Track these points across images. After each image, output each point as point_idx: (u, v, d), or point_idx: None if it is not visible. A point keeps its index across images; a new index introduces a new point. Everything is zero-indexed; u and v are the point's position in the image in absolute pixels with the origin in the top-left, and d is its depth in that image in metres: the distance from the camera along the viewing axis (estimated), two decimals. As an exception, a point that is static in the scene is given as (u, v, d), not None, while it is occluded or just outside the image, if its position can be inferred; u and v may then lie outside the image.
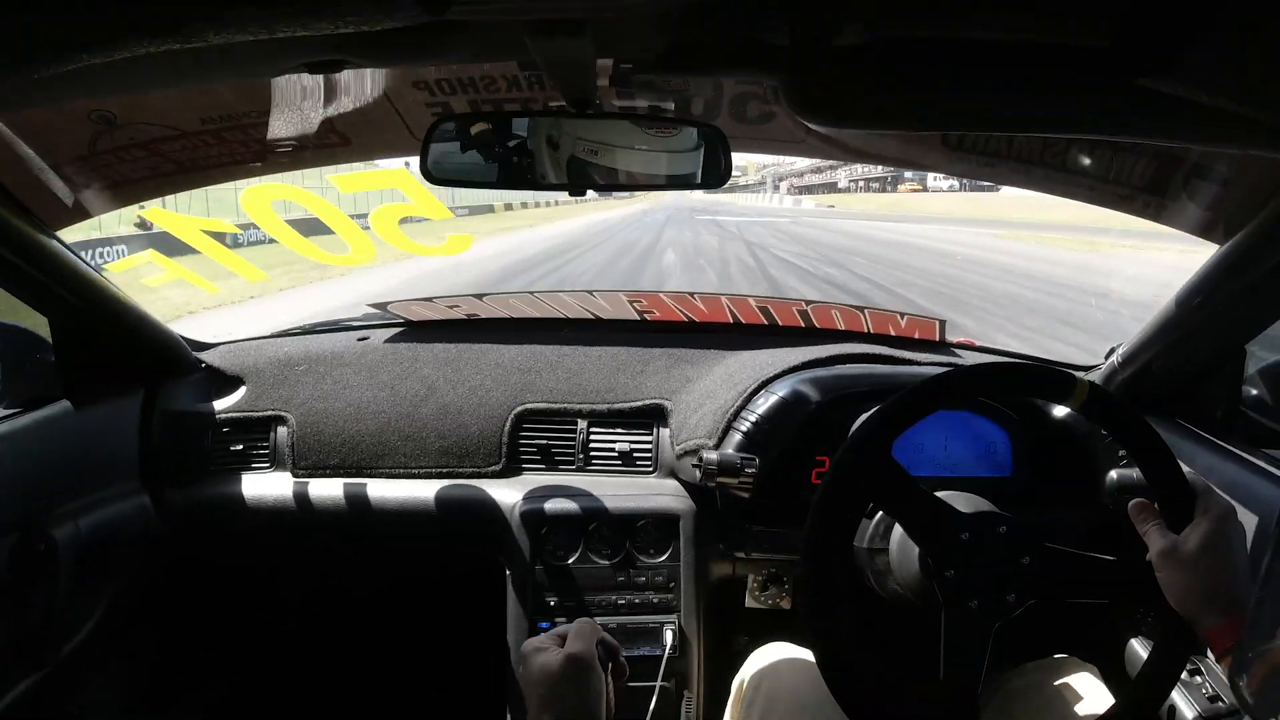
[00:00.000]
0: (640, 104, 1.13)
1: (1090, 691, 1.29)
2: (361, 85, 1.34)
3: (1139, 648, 1.48)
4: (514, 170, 1.16)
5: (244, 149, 1.49)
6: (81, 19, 0.52)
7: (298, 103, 1.20)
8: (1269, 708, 0.68)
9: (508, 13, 0.79)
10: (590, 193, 1.23)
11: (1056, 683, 1.34)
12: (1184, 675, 1.34)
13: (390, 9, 0.55)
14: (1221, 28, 0.55)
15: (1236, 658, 0.84)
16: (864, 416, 1.14)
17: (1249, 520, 1.26)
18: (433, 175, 1.15)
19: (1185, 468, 1.10)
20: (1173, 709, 1.33)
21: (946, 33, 0.75)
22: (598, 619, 1.55)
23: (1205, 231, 1.37)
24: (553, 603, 1.58)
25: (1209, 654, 1.36)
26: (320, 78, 1.17)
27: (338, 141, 1.50)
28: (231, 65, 0.91)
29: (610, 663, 0.99)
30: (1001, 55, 0.75)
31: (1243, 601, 0.99)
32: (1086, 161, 1.41)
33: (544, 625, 1.57)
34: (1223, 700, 1.31)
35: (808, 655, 1.40)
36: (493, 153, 1.14)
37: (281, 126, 1.24)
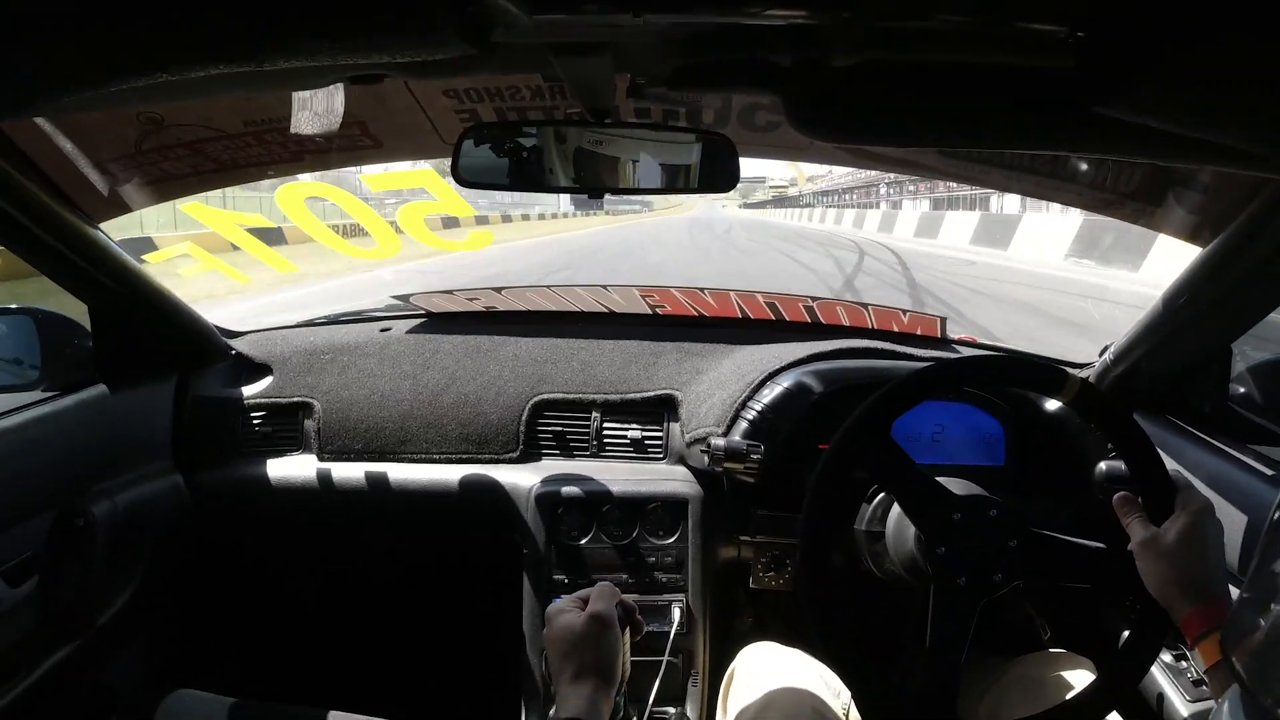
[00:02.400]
0: (656, 111, 1.19)
1: (1085, 683, 1.31)
2: (396, 93, 1.40)
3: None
4: (534, 174, 1.22)
5: (283, 150, 1.55)
6: (166, 41, 0.58)
7: (336, 109, 1.27)
8: (1260, 678, 0.74)
9: (537, 37, 0.86)
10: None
11: (1052, 675, 1.39)
12: (1170, 660, 1.39)
13: (439, 46, 0.62)
14: (1165, 63, 0.61)
15: (1230, 631, 0.91)
16: (868, 399, 1.21)
17: (1233, 513, 1.31)
18: (463, 179, 1.22)
19: (1169, 462, 1.16)
20: (1160, 695, 1.38)
21: (930, 56, 0.82)
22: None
23: (1192, 236, 1.42)
24: (566, 581, 1.64)
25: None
26: (358, 87, 1.24)
27: (371, 144, 1.57)
28: (282, 78, 0.98)
29: (628, 624, 1.07)
30: (978, 79, 0.83)
31: (1216, 592, 1.05)
32: (1078, 169, 1.46)
33: (557, 601, 1.63)
34: (1207, 684, 1.36)
35: (796, 653, 1.45)
36: (515, 158, 1.21)
37: (319, 131, 1.30)
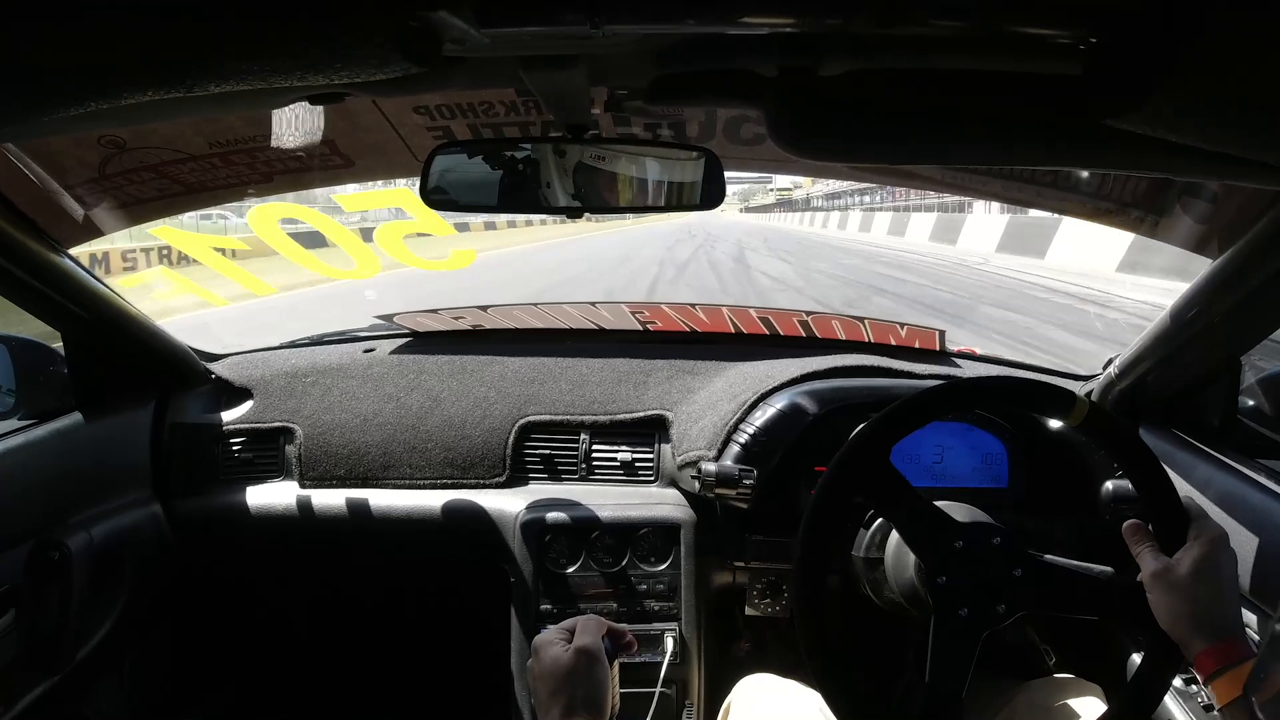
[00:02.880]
0: (637, 127, 1.14)
1: (1093, 711, 1.30)
2: (363, 110, 1.36)
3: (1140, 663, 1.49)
4: (512, 194, 1.17)
5: (250, 171, 1.51)
6: (87, 72, 0.54)
7: (302, 128, 1.22)
8: None
9: (500, 49, 0.81)
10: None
11: (1060, 702, 1.35)
12: (1180, 685, 1.35)
13: (381, 65, 0.57)
14: (1182, 74, 0.57)
15: (1251, 676, 0.87)
16: (866, 422, 1.16)
17: (1243, 532, 1.27)
18: (433, 201, 1.17)
19: (1179, 484, 1.11)
20: None
21: (926, 64, 0.77)
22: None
23: (1199, 247, 1.38)
24: (555, 610, 1.60)
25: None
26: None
27: (342, 164, 1.52)
28: (237, 99, 0.93)
29: (615, 655, 1.05)
30: (978, 89, 0.77)
31: (1231, 627, 1.00)
32: (1081, 178, 1.42)
33: (545, 632, 1.59)
34: (1218, 711, 1.32)
35: (794, 685, 1.42)
36: (490, 177, 1.16)
37: (287, 151, 1.26)
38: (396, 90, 0.97)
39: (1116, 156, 0.78)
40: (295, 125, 1.22)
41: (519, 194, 1.17)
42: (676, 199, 1.19)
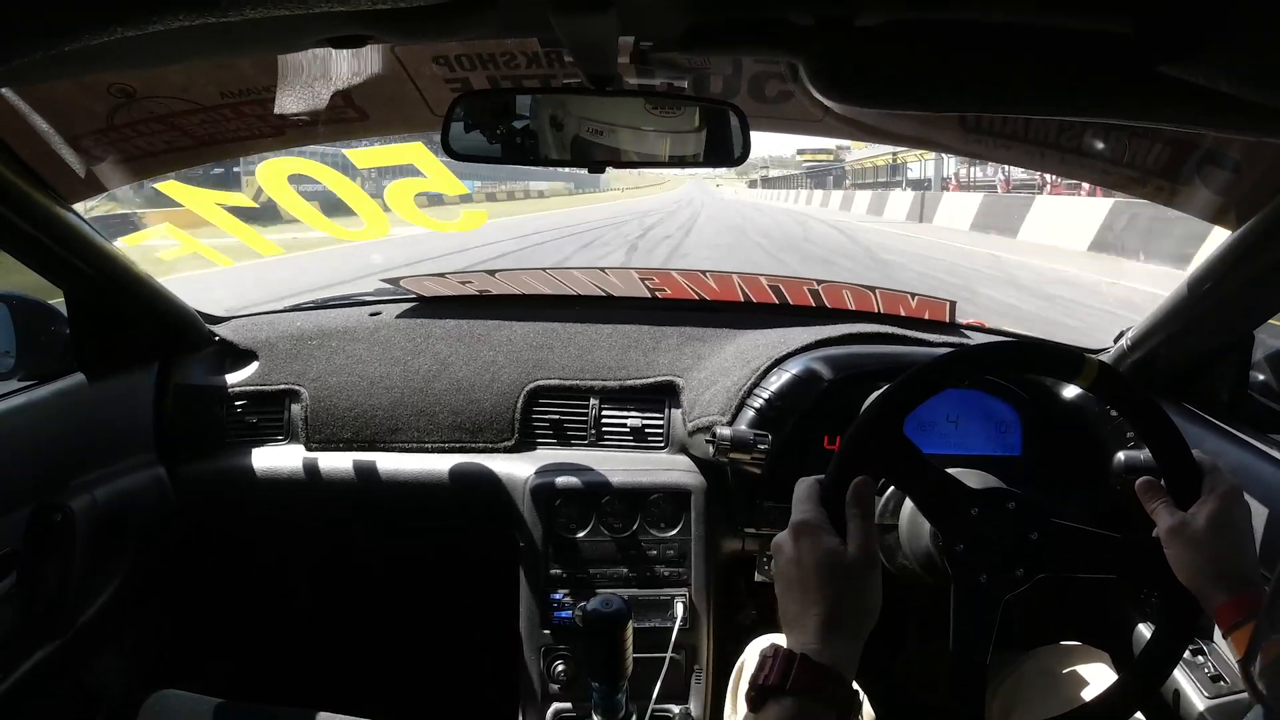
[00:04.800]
0: (658, 81, 1.12)
1: (1101, 678, 1.30)
2: (381, 60, 1.33)
3: (1146, 632, 1.49)
4: (529, 146, 1.16)
5: (262, 123, 1.48)
6: None
7: (317, 78, 1.20)
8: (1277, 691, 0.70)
9: None
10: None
11: (1068, 669, 1.36)
12: (1187, 655, 1.35)
13: None
14: (1244, 16, 0.55)
15: (1250, 643, 0.86)
16: (875, 394, 1.15)
17: (1254, 505, 1.26)
18: (454, 151, 1.15)
19: (1192, 447, 1.11)
20: (1177, 691, 1.35)
21: (969, 15, 0.75)
22: (609, 590, 1.58)
23: (1218, 217, 1.37)
24: (564, 575, 1.60)
25: (1215, 634, 1.38)
26: (341, 52, 1.17)
27: (356, 117, 1.49)
28: (257, 40, 0.91)
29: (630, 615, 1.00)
30: (1023, 39, 0.76)
31: (1250, 577, 1.00)
32: (1101, 145, 1.40)
33: (555, 597, 1.59)
34: (1225, 680, 1.32)
35: None
36: (509, 128, 1.15)
37: (300, 101, 1.24)
38: (422, 33, 0.94)
39: (1165, 109, 0.77)
40: (311, 74, 1.19)
41: (540, 146, 1.15)
42: (700, 154, 1.18)
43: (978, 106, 1.09)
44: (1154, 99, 0.75)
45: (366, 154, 1.79)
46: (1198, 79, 0.63)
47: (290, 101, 1.23)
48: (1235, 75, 0.62)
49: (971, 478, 1.24)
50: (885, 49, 0.80)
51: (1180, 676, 1.35)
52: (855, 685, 0.92)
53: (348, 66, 1.31)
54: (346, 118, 1.49)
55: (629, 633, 1.25)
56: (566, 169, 1.19)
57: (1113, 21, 0.69)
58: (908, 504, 1.31)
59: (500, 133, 1.15)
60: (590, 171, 1.16)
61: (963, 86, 0.82)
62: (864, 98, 0.83)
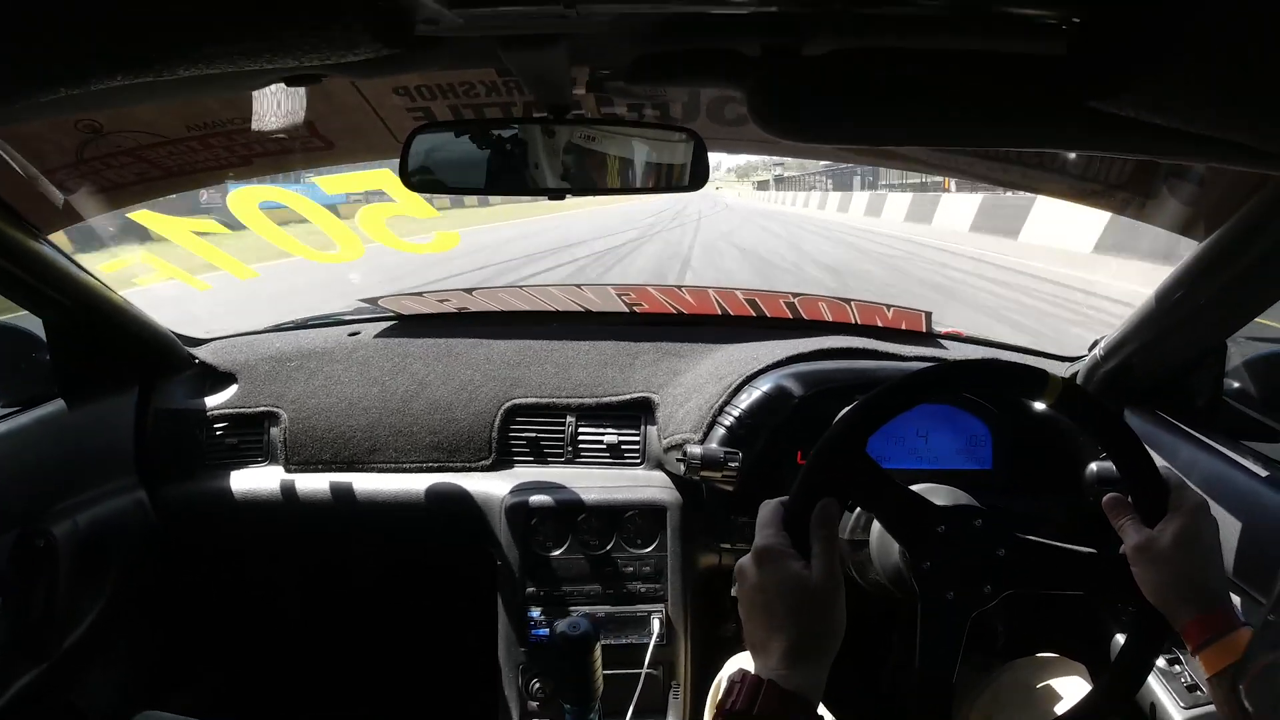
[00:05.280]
0: (620, 108, 1.13)
1: (1077, 690, 1.31)
2: (343, 92, 1.34)
3: (1123, 642, 1.49)
4: (492, 176, 1.16)
5: (229, 154, 1.49)
6: (51, 57, 0.53)
7: (281, 110, 1.21)
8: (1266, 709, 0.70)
9: (478, 29, 0.79)
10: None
11: (1044, 681, 1.36)
12: (1163, 665, 1.36)
13: (350, 47, 0.56)
14: (1167, 56, 0.56)
15: (1239, 666, 0.87)
16: (842, 412, 1.15)
17: (1228, 515, 1.27)
18: (415, 183, 1.16)
19: (1160, 461, 1.11)
20: (1153, 703, 1.35)
21: (909, 43, 0.76)
22: (586, 607, 1.59)
23: (1185, 229, 1.37)
24: (540, 593, 1.61)
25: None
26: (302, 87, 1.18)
27: (321, 146, 1.51)
28: (211, 82, 0.92)
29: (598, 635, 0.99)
30: (962, 69, 0.76)
31: (1217, 595, 1.00)
32: (1068, 159, 1.41)
33: (532, 615, 1.59)
34: (1202, 689, 1.32)
35: None
36: (472, 158, 1.15)
37: (265, 133, 1.24)
38: (374, 71, 0.95)
39: (1100, 139, 0.78)
40: (274, 107, 1.20)
41: (500, 176, 1.15)
42: (662, 180, 1.18)
43: (917, 140, 1.09)
44: (1087, 131, 0.75)
45: (335, 180, 1.79)
46: (1126, 113, 0.64)
47: (256, 133, 1.23)
48: (1162, 111, 0.63)
49: (940, 494, 1.24)
50: (827, 81, 0.80)
51: (1157, 687, 1.35)
52: (822, 710, 0.92)
53: (312, 99, 1.31)
54: (313, 147, 1.50)
55: (597, 654, 1.25)
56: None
57: (1042, 59, 0.69)
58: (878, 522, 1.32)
59: (462, 164, 1.15)
60: (550, 199, 1.17)
61: (906, 119, 0.82)
62: (806, 131, 0.84)
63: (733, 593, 1.61)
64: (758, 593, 0.87)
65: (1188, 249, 1.33)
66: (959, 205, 20.62)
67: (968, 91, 0.77)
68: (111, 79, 0.56)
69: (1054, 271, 11.54)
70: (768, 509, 0.95)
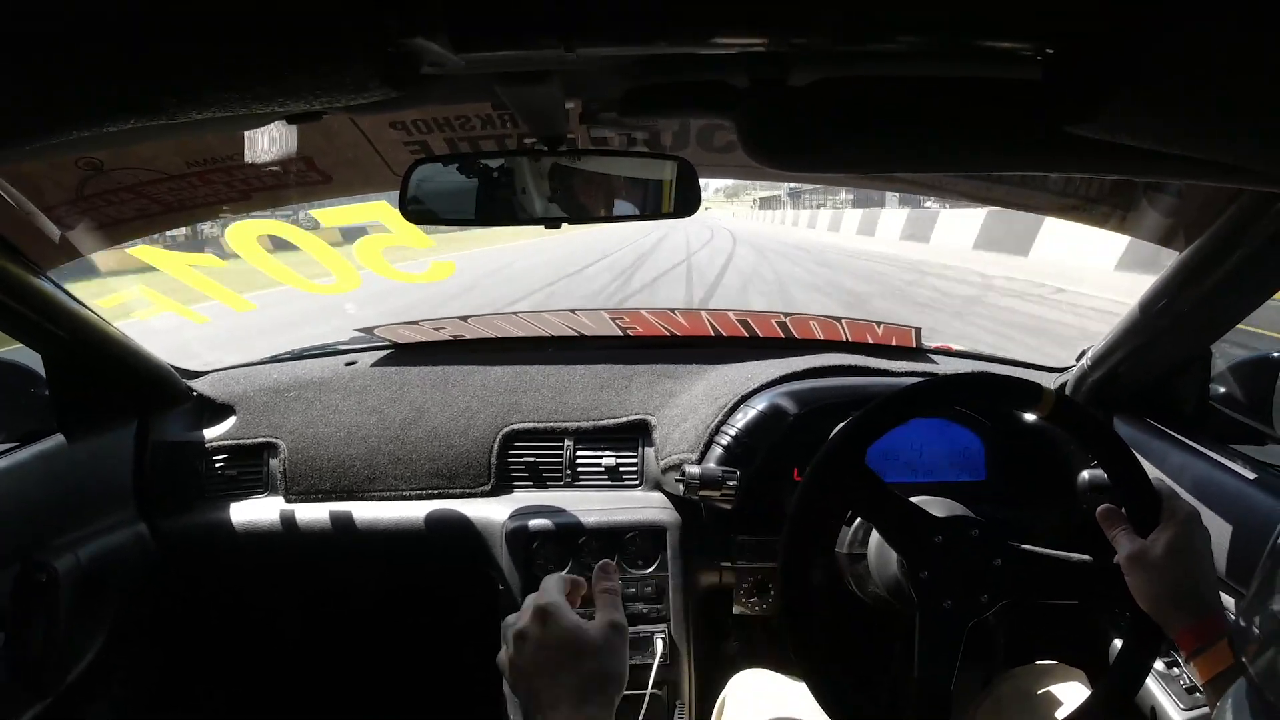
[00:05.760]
0: (612, 137, 1.16)
1: (1077, 696, 1.31)
2: (341, 127, 1.36)
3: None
4: (490, 206, 1.18)
5: (229, 189, 1.51)
6: (64, 102, 0.54)
7: (280, 146, 1.23)
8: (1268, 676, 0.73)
9: (475, 67, 0.82)
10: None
11: (1044, 689, 1.37)
12: (1162, 667, 1.37)
13: (360, 91, 0.58)
14: (1137, 81, 0.58)
15: (1238, 632, 0.89)
16: (838, 427, 1.17)
17: (1218, 518, 1.29)
18: (412, 216, 1.18)
19: (1152, 470, 1.14)
20: (1153, 706, 1.36)
21: (893, 70, 0.79)
22: None
23: (1166, 239, 1.40)
24: None
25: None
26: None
27: (319, 180, 1.53)
28: (214, 123, 0.94)
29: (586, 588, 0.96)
30: (943, 98, 0.79)
31: (1210, 603, 1.03)
32: (1050, 176, 1.44)
33: (552, 582, 1.59)
34: (1200, 692, 1.34)
35: (786, 681, 1.44)
36: (468, 190, 1.17)
37: (264, 168, 1.26)
38: (373, 108, 0.98)
39: (1077, 161, 0.80)
40: (273, 144, 1.22)
41: (497, 206, 1.17)
42: (653, 207, 1.20)
43: (908, 167, 1.12)
44: (1065, 154, 0.78)
45: (332, 213, 1.81)
46: (1101, 136, 0.66)
47: (255, 169, 1.25)
48: (1134, 133, 0.65)
49: (936, 505, 1.26)
50: (813, 111, 0.83)
51: (1156, 690, 1.36)
52: None
53: (310, 135, 1.34)
54: (311, 181, 1.52)
55: None
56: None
57: (1023, 83, 0.72)
58: (876, 534, 1.33)
59: (461, 197, 1.17)
60: (548, 228, 1.19)
61: (892, 147, 0.85)
62: (794, 161, 0.86)
63: (739, 606, 1.63)
64: (540, 650, 0.87)
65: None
66: (959, 221, 19.13)
67: (949, 119, 0.80)
68: (125, 122, 0.58)
69: (1089, 297, 10.28)
70: (551, 579, 0.94)
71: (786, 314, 2.02)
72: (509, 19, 0.60)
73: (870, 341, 1.96)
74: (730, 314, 2.03)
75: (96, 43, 0.51)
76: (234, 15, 0.51)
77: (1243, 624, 0.91)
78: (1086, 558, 1.17)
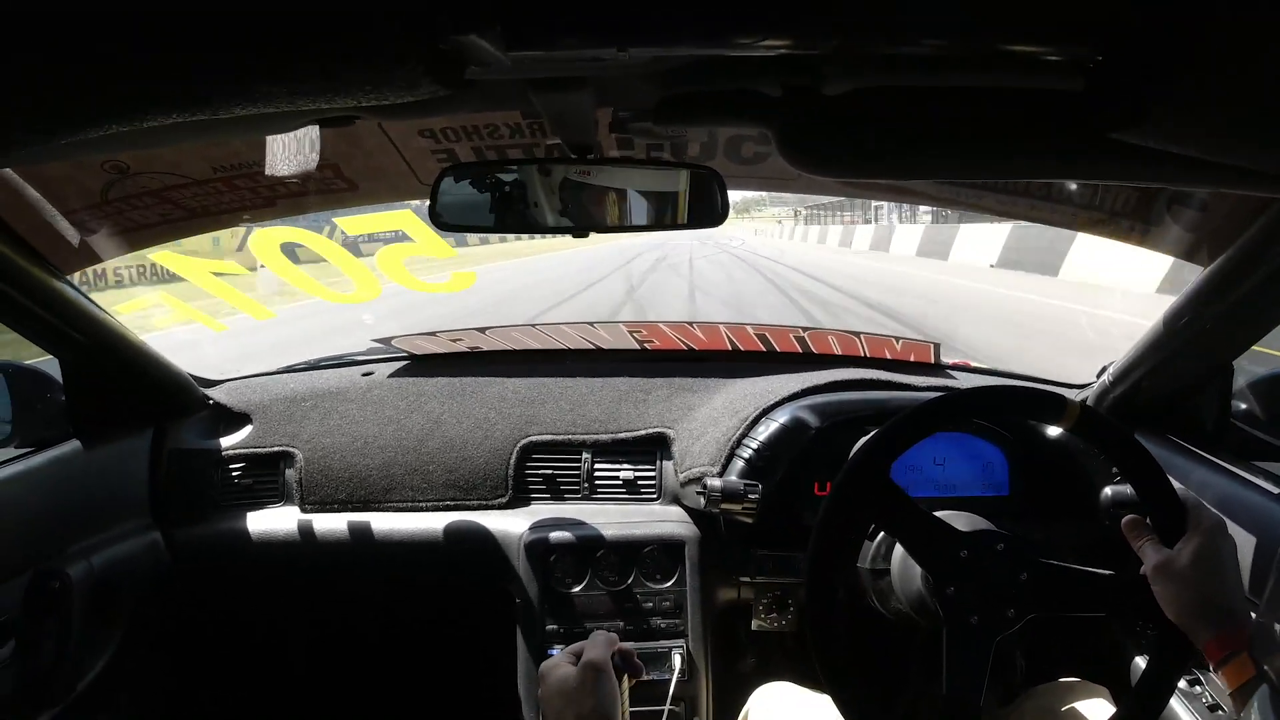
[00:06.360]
0: (639, 148, 1.16)
1: (1102, 714, 1.31)
2: (369, 134, 1.37)
3: (1143, 664, 1.49)
4: (516, 213, 1.18)
5: (254, 195, 1.51)
6: (112, 92, 0.54)
7: (307, 152, 1.23)
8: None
9: (515, 73, 0.82)
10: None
11: (1068, 706, 1.36)
12: (1184, 685, 1.36)
13: (409, 88, 0.58)
14: (1184, 85, 0.58)
15: (1258, 640, 0.89)
16: (862, 440, 1.17)
17: (1241, 534, 1.28)
18: (442, 221, 1.18)
19: (1175, 483, 1.13)
20: None
21: (930, 81, 0.79)
22: None
23: (1189, 254, 1.40)
24: (561, 630, 1.60)
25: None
26: (329, 130, 1.21)
27: (345, 187, 1.53)
28: (250, 124, 0.94)
29: (626, 670, 1.03)
30: (982, 105, 0.79)
31: (1237, 613, 1.02)
32: (1072, 190, 1.43)
33: (553, 652, 1.58)
34: (1223, 709, 1.32)
35: (810, 694, 1.43)
36: (496, 197, 1.17)
37: (290, 175, 1.26)
38: (407, 113, 0.98)
39: (1119, 168, 0.80)
40: (299, 149, 1.22)
41: (526, 214, 1.17)
42: (682, 218, 1.20)
43: (939, 173, 1.12)
44: (1106, 161, 0.78)
45: (356, 221, 1.82)
46: (1146, 142, 0.66)
47: (280, 175, 1.25)
48: (1180, 139, 0.65)
49: (960, 520, 1.25)
50: (852, 118, 0.83)
51: (1178, 707, 1.35)
52: None
53: (336, 141, 1.34)
54: (336, 188, 1.52)
55: (625, 690, 1.25)
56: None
57: (1063, 91, 0.72)
58: (899, 548, 1.32)
59: (491, 202, 1.18)
60: (575, 236, 1.19)
61: (930, 153, 0.85)
62: (832, 166, 0.86)
63: (758, 622, 1.62)
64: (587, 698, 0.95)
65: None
66: (979, 236, 18.28)
67: (987, 127, 0.80)
68: (166, 117, 0.57)
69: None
70: (600, 634, 1.04)
71: (805, 328, 2.01)
72: (564, 16, 0.60)
73: (889, 356, 1.95)
74: (748, 328, 2.03)
75: (147, 33, 0.50)
76: (289, 7, 0.50)
77: (1263, 632, 0.91)
78: (1111, 571, 1.16)
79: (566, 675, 0.97)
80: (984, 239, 17.91)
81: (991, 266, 16.62)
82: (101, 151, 1.16)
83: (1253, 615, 1.03)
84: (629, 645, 1.06)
